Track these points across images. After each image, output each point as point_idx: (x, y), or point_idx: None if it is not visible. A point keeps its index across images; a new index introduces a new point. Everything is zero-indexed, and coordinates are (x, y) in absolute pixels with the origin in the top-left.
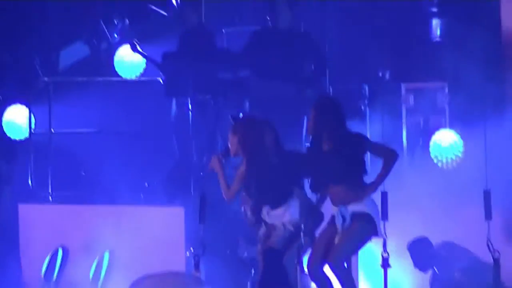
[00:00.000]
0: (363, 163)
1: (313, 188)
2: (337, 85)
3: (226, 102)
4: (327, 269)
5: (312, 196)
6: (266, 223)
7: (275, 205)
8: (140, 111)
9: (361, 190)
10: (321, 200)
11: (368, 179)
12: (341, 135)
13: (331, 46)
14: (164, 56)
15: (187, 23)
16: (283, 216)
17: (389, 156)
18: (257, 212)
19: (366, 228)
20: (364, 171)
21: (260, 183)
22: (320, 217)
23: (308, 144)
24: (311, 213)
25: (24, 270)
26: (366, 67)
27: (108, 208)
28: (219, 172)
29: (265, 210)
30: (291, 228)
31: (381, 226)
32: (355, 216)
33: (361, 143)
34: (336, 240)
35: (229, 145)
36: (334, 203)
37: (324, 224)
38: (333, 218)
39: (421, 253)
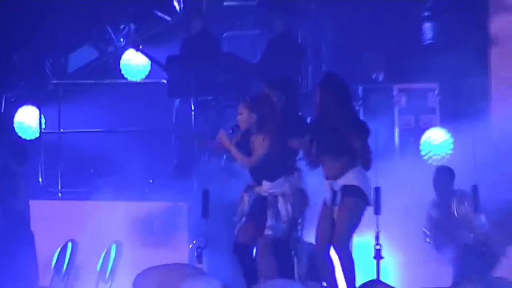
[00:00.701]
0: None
1: (312, 163)
2: None
3: (227, 101)
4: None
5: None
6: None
7: (279, 176)
8: (145, 111)
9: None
10: None
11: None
12: (343, 114)
13: (327, 49)
14: (168, 59)
15: (190, 28)
16: (283, 186)
17: (364, 163)
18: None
19: (358, 203)
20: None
21: (276, 154)
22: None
23: (312, 120)
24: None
25: (34, 265)
26: (361, 69)
27: (115, 204)
28: (229, 145)
29: (268, 186)
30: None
31: (371, 196)
32: (345, 189)
33: (356, 130)
34: (336, 219)
35: (240, 120)
36: (326, 177)
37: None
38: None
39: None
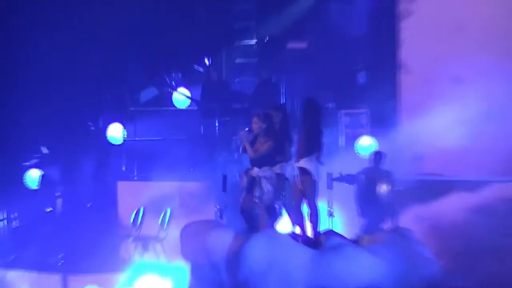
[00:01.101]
0: (318, 144)
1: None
2: None
3: (237, 121)
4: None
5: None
6: (257, 178)
7: (264, 165)
8: (187, 127)
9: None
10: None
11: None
12: (316, 125)
13: (299, 88)
14: (201, 95)
15: (212, 76)
16: (266, 172)
17: (318, 156)
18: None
19: (308, 177)
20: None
21: (269, 152)
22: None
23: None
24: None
25: (121, 221)
26: (320, 100)
27: (169, 183)
28: (244, 141)
29: (259, 171)
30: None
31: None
32: (299, 169)
33: (319, 136)
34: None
35: (254, 127)
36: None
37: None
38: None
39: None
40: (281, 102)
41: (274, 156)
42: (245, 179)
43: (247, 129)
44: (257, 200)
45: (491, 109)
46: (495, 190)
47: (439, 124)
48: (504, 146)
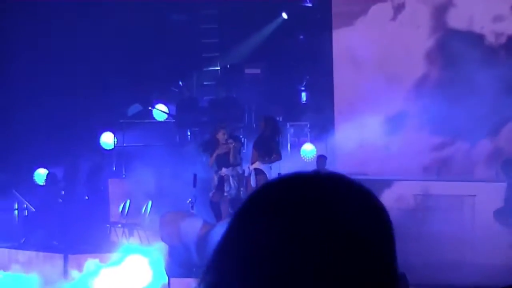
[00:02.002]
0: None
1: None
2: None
3: (205, 130)
4: None
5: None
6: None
7: (230, 166)
8: (164, 135)
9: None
10: None
11: None
12: (270, 134)
13: (254, 104)
14: (175, 110)
15: (185, 95)
16: (232, 171)
17: (274, 159)
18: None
19: (261, 176)
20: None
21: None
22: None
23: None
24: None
25: (112, 211)
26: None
27: (150, 181)
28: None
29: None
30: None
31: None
32: (256, 169)
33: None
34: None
35: (218, 136)
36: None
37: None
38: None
39: None
40: (241, 116)
41: (236, 158)
42: (215, 178)
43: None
44: (226, 194)
45: (408, 118)
46: (409, 187)
47: (366, 133)
48: (416, 151)
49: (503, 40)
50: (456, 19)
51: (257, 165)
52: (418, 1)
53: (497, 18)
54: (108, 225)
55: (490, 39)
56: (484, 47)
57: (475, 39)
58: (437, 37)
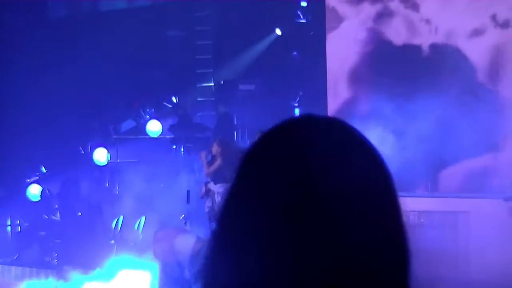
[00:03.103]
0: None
1: None
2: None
3: (198, 147)
4: None
5: None
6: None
7: (218, 182)
8: (158, 151)
9: None
10: None
11: None
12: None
13: (248, 120)
14: (169, 127)
15: (179, 110)
16: (219, 188)
17: None
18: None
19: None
20: None
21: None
22: None
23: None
24: None
25: (104, 226)
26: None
27: (144, 197)
28: (203, 160)
29: (214, 186)
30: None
31: None
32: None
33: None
34: None
35: (213, 150)
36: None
37: None
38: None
39: None
40: (234, 131)
41: (224, 174)
42: (203, 190)
43: (204, 152)
44: (207, 210)
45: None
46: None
47: None
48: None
49: None
50: None
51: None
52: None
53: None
54: (101, 240)
55: None
56: None
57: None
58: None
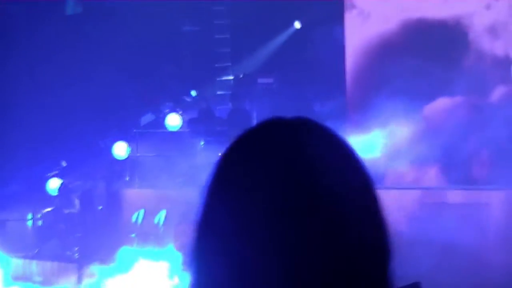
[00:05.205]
0: None
1: None
2: None
3: (218, 140)
4: None
5: None
6: None
7: None
8: (178, 145)
9: None
10: None
11: None
12: None
13: (267, 114)
14: (189, 120)
15: (198, 104)
16: None
17: None
18: None
19: None
20: None
21: None
22: None
23: None
24: None
25: (125, 220)
26: None
27: (164, 191)
28: None
29: None
30: None
31: None
32: None
33: None
34: None
35: None
36: None
37: None
38: None
39: None
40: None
41: None
42: None
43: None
44: None
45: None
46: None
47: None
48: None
49: None
50: None
51: None
52: None
53: None
54: (122, 234)
55: None
56: None
57: None
58: None
